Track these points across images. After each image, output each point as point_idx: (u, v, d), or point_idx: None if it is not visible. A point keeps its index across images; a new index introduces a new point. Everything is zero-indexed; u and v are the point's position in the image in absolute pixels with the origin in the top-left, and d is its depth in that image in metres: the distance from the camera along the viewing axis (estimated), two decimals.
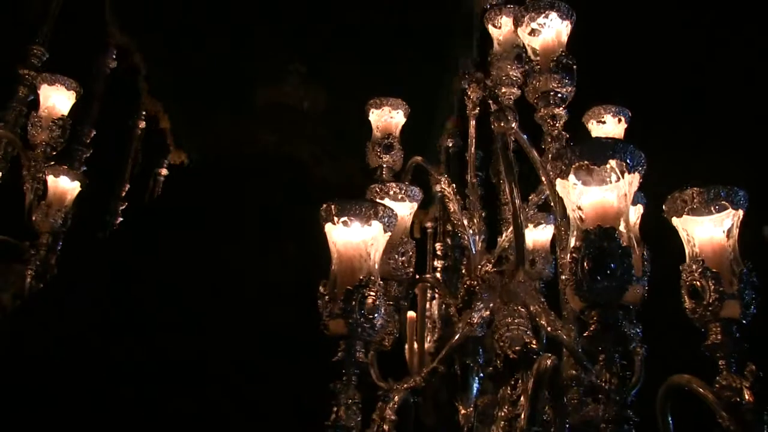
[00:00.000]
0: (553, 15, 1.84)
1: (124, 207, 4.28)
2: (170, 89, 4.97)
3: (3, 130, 2.91)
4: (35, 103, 3.02)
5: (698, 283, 1.40)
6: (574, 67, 1.79)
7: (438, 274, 3.66)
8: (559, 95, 1.75)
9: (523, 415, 1.13)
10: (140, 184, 4.64)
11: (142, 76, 4.72)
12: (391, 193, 1.96)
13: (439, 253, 3.77)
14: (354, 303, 1.46)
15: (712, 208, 1.46)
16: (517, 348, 1.57)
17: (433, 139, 4.98)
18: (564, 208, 1.38)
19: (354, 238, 1.54)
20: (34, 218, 2.91)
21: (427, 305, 3.41)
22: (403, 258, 1.89)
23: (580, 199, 1.24)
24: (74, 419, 3.09)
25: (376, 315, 1.48)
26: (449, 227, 3.50)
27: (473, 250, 2.04)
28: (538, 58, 1.83)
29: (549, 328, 1.64)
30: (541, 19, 1.85)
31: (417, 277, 2.43)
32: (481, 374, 1.93)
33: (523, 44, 1.90)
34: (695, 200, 1.47)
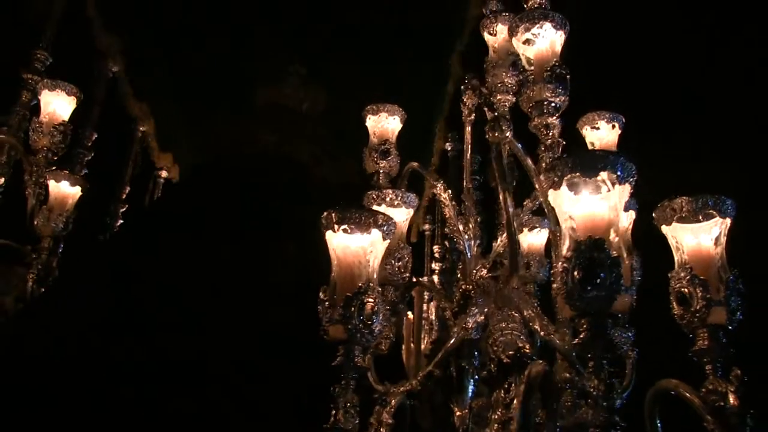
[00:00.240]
0: (548, 25, 1.87)
1: (124, 209, 4.32)
2: (167, 91, 5.00)
3: (5, 136, 2.94)
4: (36, 108, 3.05)
5: (686, 290, 1.44)
6: (568, 76, 1.83)
7: (435, 277, 3.70)
8: (553, 104, 1.79)
9: (514, 420, 1.17)
10: (140, 187, 4.68)
11: (125, 80, 4.74)
12: (388, 199, 2.00)
13: (437, 255, 3.80)
14: (353, 309, 1.50)
15: (700, 217, 1.50)
16: (510, 352, 1.62)
17: (433, 141, 5.03)
18: (557, 217, 1.42)
19: (353, 245, 1.57)
20: (35, 222, 2.95)
21: (425, 307, 3.46)
22: (400, 263, 1.93)
23: (572, 209, 1.28)
24: (75, 419, 3.12)
25: (374, 321, 1.52)
26: (447, 230, 3.54)
27: (468, 254, 2.08)
28: (532, 67, 1.87)
29: (542, 333, 1.69)
30: (535, 29, 1.88)
31: (414, 280, 2.48)
32: (477, 377, 1.98)
33: (518, 53, 1.93)
34: (684, 209, 1.51)
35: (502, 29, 2.28)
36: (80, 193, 3.07)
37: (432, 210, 4.00)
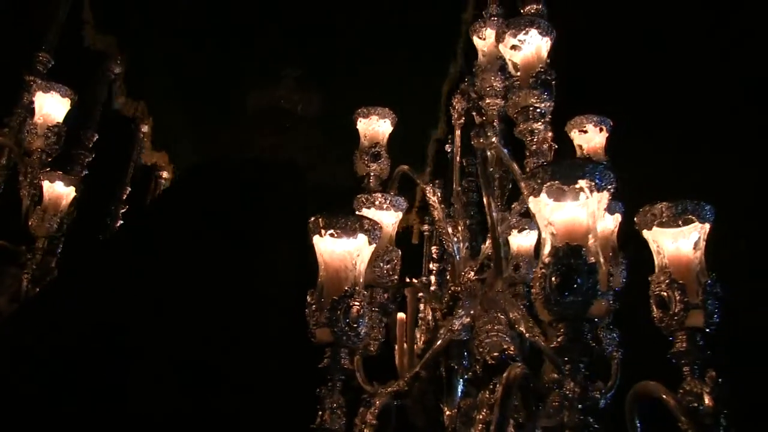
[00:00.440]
0: (533, 32, 1.90)
1: (124, 210, 4.35)
2: (161, 94, 5.02)
3: (2, 138, 2.97)
4: (31, 109, 3.07)
5: (665, 293, 1.47)
6: (554, 82, 1.86)
7: (433, 278, 3.74)
8: (538, 110, 1.82)
9: (492, 423, 1.20)
10: (141, 187, 4.70)
11: (120, 78, 4.76)
12: (377, 202, 2.03)
13: (434, 256, 3.84)
14: (339, 312, 1.53)
15: (680, 222, 1.53)
16: (495, 354, 1.65)
17: (430, 143, 5.05)
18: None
19: (340, 249, 1.60)
20: (30, 223, 2.98)
21: (421, 306, 3.49)
22: (388, 266, 1.96)
23: (552, 216, 1.31)
24: (75, 420, 3.14)
25: (360, 324, 1.55)
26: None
27: (457, 257, 2.11)
28: (518, 73, 1.90)
29: (527, 335, 1.72)
30: (521, 36, 1.91)
31: (406, 280, 2.51)
32: (466, 377, 2.01)
33: (505, 63, 1.96)
34: (664, 214, 1.55)
35: (491, 34, 2.31)
36: (74, 194, 3.10)
37: (424, 209, 4.03)
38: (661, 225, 1.56)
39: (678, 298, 1.45)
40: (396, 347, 3.00)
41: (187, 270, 3.96)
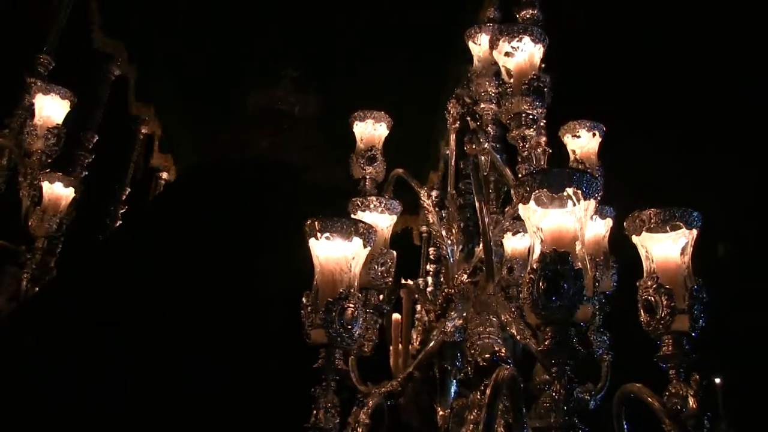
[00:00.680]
0: (526, 39, 1.93)
1: (123, 210, 4.37)
2: (162, 95, 5.04)
3: (2, 139, 2.99)
4: (31, 111, 3.10)
5: (653, 298, 1.51)
6: (545, 89, 1.89)
7: (430, 278, 3.77)
8: (531, 117, 1.85)
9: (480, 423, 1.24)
10: (141, 188, 4.72)
11: (132, 83, 4.80)
12: (372, 206, 2.06)
13: (432, 257, 3.87)
14: (334, 314, 1.56)
15: (668, 228, 1.57)
16: (486, 356, 1.68)
17: (432, 144, 5.07)
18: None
19: (335, 252, 1.64)
20: (30, 223, 3.01)
21: (417, 307, 3.52)
22: (383, 268, 1.99)
23: (540, 222, 1.34)
24: (75, 420, 3.17)
25: (354, 325, 1.59)
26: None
27: (451, 259, 2.14)
28: (511, 80, 1.93)
29: (519, 337, 1.75)
30: (514, 43, 1.94)
31: (401, 281, 2.54)
32: (459, 378, 2.04)
33: (499, 66, 1.99)
34: (652, 220, 1.58)
35: (486, 39, 2.34)
36: (74, 195, 3.13)
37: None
38: (650, 230, 1.59)
39: (665, 302, 1.48)
40: (391, 347, 3.04)
41: (187, 270, 3.98)
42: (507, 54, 1.95)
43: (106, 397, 3.37)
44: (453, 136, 2.40)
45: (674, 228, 1.57)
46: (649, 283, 1.54)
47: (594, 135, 2.37)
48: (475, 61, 2.37)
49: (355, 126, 2.48)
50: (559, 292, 1.23)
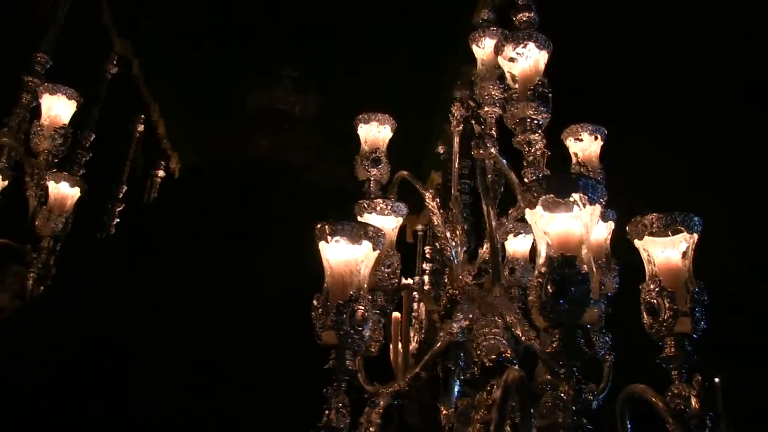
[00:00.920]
0: (531, 45, 1.97)
1: (121, 209, 4.39)
2: (165, 95, 5.06)
3: (6, 139, 3.01)
4: (37, 111, 3.12)
5: (655, 301, 1.55)
6: (550, 95, 1.92)
7: (426, 277, 3.80)
8: (536, 122, 1.88)
9: (492, 422, 1.27)
10: (138, 187, 4.74)
11: (142, 82, 4.81)
12: (378, 208, 2.09)
13: (428, 256, 3.90)
14: (345, 316, 1.59)
15: (669, 232, 1.61)
16: (493, 356, 1.72)
17: (435, 144, 5.10)
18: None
19: (345, 255, 1.67)
20: (36, 223, 3.03)
21: (415, 306, 3.56)
22: (389, 269, 2.03)
23: (547, 227, 1.38)
24: (75, 420, 3.18)
25: (364, 327, 1.62)
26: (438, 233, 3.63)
27: (455, 261, 2.18)
28: (516, 85, 1.96)
29: (524, 338, 1.79)
30: (519, 49, 1.98)
31: (403, 282, 2.57)
32: (462, 378, 2.08)
33: (503, 71, 2.03)
34: (654, 225, 1.62)
35: (490, 43, 2.37)
36: (79, 194, 3.15)
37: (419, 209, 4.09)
38: (652, 235, 1.63)
39: (667, 305, 1.52)
40: (391, 346, 3.07)
41: (187, 270, 4.00)
42: (512, 59, 1.99)
43: (106, 397, 3.38)
44: (457, 139, 2.43)
45: (676, 232, 1.61)
46: (652, 286, 1.58)
47: (596, 138, 2.40)
48: (479, 65, 2.40)
49: (359, 128, 2.50)
50: (567, 296, 1.27)
